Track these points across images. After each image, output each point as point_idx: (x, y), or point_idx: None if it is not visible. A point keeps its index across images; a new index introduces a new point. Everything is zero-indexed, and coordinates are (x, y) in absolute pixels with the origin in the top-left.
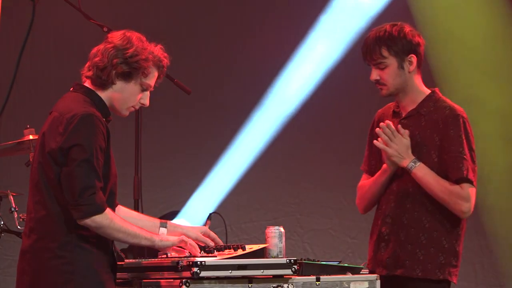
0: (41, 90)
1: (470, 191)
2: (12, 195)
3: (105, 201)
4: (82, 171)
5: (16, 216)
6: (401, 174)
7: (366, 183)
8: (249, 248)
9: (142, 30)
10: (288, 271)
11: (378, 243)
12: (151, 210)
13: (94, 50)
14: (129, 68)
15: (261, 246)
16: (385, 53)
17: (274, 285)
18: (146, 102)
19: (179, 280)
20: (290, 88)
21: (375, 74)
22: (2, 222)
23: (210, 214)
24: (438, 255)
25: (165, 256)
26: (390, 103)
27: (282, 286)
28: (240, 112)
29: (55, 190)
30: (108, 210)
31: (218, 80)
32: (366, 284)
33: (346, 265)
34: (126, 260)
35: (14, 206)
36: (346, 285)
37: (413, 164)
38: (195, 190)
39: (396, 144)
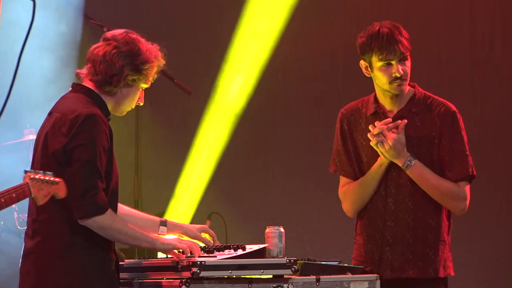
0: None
1: (467, 189)
2: None
3: (107, 201)
4: (85, 172)
5: (16, 216)
6: (397, 174)
7: (355, 184)
8: (249, 248)
9: (141, 30)
10: (288, 271)
11: (382, 247)
12: (151, 210)
13: (95, 50)
14: (139, 75)
15: (261, 246)
16: (408, 45)
17: (274, 285)
18: (142, 100)
19: (179, 280)
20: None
21: (400, 69)
22: (2, 222)
23: (210, 214)
24: (444, 252)
25: (165, 256)
26: (353, 103)
27: (282, 286)
28: (240, 112)
29: None
30: (109, 211)
31: (216, 78)
32: (366, 284)
33: (346, 265)
34: (126, 260)
35: (14, 206)
36: (346, 285)
37: (409, 163)
38: (195, 190)
39: (390, 140)
